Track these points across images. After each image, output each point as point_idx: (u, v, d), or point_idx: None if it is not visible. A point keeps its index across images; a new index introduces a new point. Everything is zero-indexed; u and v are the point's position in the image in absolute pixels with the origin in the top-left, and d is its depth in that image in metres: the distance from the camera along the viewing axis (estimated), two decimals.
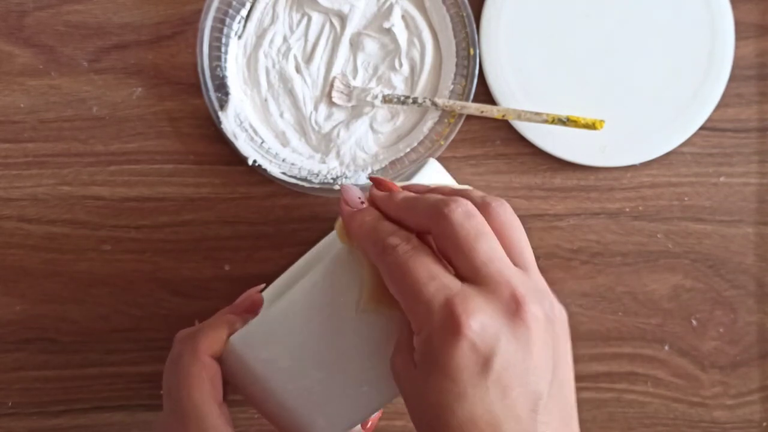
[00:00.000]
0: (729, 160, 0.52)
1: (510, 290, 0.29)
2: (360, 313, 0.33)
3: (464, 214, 0.30)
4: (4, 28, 0.51)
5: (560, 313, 0.31)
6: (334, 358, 0.34)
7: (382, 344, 0.33)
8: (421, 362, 0.29)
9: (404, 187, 0.34)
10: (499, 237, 0.31)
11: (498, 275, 0.29)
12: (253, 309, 0.41)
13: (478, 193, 0.33)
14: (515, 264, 0.31)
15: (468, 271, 0.29)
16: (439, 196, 0.31)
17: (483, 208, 0.31)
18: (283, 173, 0.50)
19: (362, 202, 0.33)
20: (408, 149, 0.51)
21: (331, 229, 0.50)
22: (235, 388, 0.37)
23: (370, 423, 0.43)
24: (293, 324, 0.33)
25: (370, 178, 0.35)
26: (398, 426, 0.52)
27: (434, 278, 0.29)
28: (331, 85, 0.51)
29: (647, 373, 0.53)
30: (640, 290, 0.52)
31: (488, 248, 0.30)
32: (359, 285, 0.32)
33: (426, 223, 0.31)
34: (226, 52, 0.50)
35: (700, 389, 0.53)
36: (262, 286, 0.44)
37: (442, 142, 0.50)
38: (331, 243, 0.50)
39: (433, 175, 0.38)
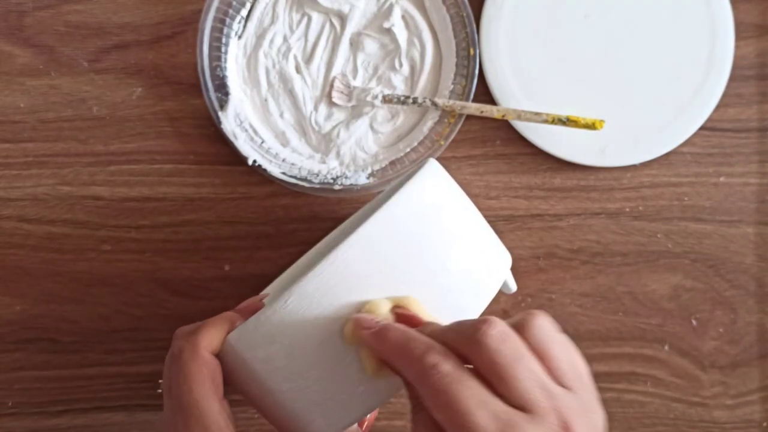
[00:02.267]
0: (729, 160, 0.52)
1: (558, 417, 0.28)
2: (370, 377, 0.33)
3: (499, 337, 0.28)
4: (4, 28, 0.51)
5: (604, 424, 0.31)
6: (330, 358, 0.34)
7: None
8: None
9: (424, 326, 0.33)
10: (540, 356, 0.29)
11: (543, 401, 0.28)
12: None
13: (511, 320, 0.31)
14: (560, 383, 0.29)
15: (512, 399, 0.28)
16: (470, 321, 0.30)
17: (518, 327, 0.30)
18: (283, 173, 0.50)
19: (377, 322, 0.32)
20: (408, 149, 0.51)
21: (331, 229, 0.51)
22: (234, 386, 0.37)
23: (366, 422, 0.43)
24: (289, 323, 0.33)
25: (395, 313, 0.33)
26: (398, 426, 0.52)
27: (483, 405, 0.27)
28: (331, 85, 0.51)
29: (647, 373, 0.53)
30: (640, 290, 0.52)
31: (528, 372, 0.28)
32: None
33: (459, 351, 0.29)
34: (226, 52, 0.50)
35: (700, 389, 0.53)
36: (266, 295, 0.44)
37: (442, 142, 0.50)
38: (330, 242, 0.50)
39: (432, 174, 0.38)
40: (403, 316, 0.33)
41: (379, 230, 0.34)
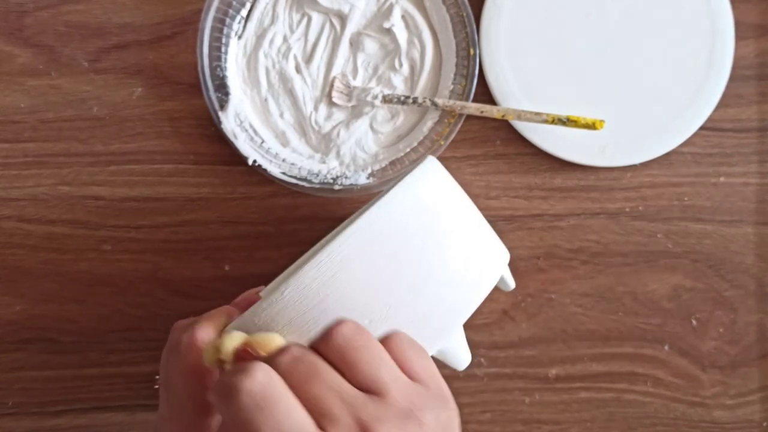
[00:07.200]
0: (729, 160, 0.52)
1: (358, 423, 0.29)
2: None
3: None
4: (4, 28, 0.51)
5: None
6: None
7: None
8: None
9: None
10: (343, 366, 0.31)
11: (342, 414, 0.29)
12: None
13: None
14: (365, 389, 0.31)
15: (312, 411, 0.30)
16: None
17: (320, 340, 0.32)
18: (283, 173, 0.50)
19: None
20: (408, 149, 0.50)
21: (331, 228, 0.50)
22: None
23: None
24: (286, 315, 0.33)
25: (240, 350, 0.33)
26: None
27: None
28: (331, 85, 0.51)
29: (647, 373, 0.53)
30: (640, 290, 0.52)
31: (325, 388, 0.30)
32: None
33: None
34: (226, 52, 0.50)
35: (700, 389, 0.53)
36: (261, 288, 0.44)
37: (442, 142, 0.50)
38: (329, 240, 0.50)
39: (431, 171, 0.38)
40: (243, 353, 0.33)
41: (376, 224, 0.34)
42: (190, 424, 0.35)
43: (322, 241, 0.51)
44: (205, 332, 0.36)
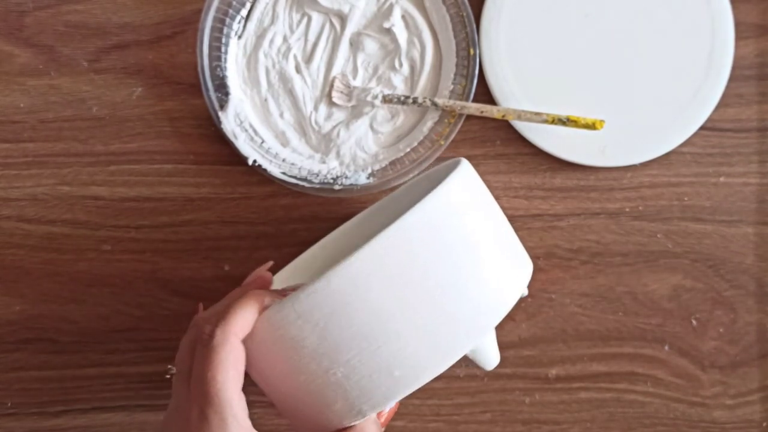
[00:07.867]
0: (729, 160, 0.52)
1: None
2: None
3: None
4: (4, 28, 0.51)
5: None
6: (364, 342, 0.33)
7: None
8: None
9: None
10: None
11: None
12: (264, 288, 0.41)
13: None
14: None
15: None
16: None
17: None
18: (283, 173, 0.50)
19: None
20: (408, 149, 0.50)
21: (331, 229, 0.51)
22: (256, 368, 0.36)
23: (384, 416, 0.42)
24: (328, 303, 0.33)
25: None
26: (398, 426, 0.52)
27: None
28: (331, 85, 0.51)
29: (647, 373, 0.53)
30: (640, 290, 0.52)
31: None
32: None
33: None
34: (226, 52, 0.50)
35: (700, 389, 0.53)
36: (270, 263, 0.44)
37: (442, 142, 0.50)
38: (338, 239, 0.50)
39: (470, 174, 0.38)
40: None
41: (421, 222, 0.34)
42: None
43: (324, 240, 0.51)
44: (239, 325, 0.35)
